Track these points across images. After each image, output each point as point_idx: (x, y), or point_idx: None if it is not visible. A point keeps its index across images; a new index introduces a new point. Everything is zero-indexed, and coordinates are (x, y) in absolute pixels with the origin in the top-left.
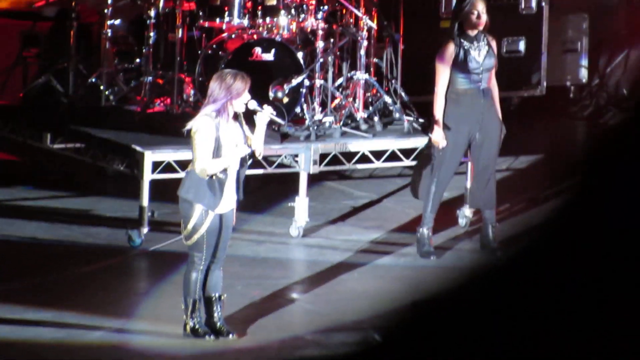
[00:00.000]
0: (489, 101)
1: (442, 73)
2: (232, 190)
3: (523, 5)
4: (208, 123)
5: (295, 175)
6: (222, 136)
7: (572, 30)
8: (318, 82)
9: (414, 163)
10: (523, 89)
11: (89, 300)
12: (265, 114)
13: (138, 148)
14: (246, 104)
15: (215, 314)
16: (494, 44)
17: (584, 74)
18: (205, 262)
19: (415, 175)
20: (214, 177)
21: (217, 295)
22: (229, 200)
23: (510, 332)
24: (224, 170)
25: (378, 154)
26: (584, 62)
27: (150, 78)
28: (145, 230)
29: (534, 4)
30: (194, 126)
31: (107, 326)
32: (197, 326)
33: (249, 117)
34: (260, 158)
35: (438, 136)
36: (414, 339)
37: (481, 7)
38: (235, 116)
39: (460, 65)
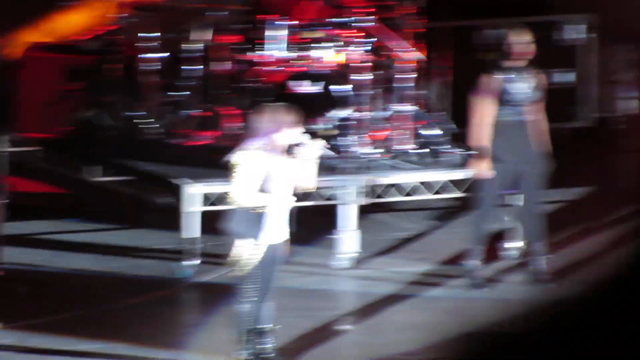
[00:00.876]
0: (533, 133)
1: (484, 105)
2: (284, 222)
3: (572, 37)
4: (253, 156)
5: (345, 208)
6: (270, 169)
7: (621, 61)
8: (366, 114)
9: (463, 195)
10: (574, 120)
11: (139, 332)
12: (315, 147)
13: (181, 181)
14: (296, 138)
15: (267, 345)
16: (540, 76)
17: (635, 104)
18: (257, 294)
19: None
20: (263, 210)
21: (268, 326)
22: (280, 232)
23: None
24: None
25: (428, 186)
26: (635, 92)
27: (194, 111)
28: (195, 262)
29: (583, 35)
30: (237, 158)
31: (159, 358)
32: (249, 357)
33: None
34: (311, 191)
35: (484, 167)
36: None
37: (527, 38)
38: (285, 149)
39: (504, 96)
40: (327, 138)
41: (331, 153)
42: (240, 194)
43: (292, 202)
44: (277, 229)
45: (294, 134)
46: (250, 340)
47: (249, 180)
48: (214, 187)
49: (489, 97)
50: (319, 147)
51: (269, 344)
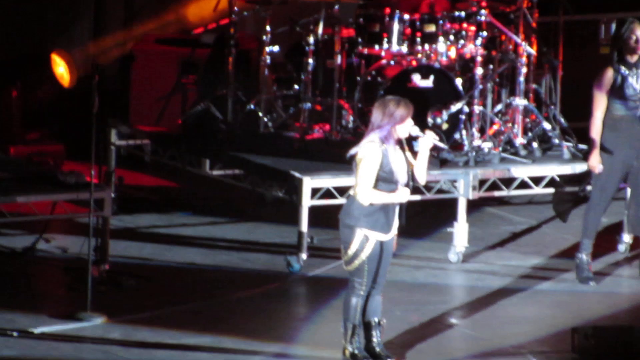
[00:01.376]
0: None
1: (600, 99)
2: (395, 218)
3: None
4: (375, 150)
5: (454, 201)
6: (392, 163)
7: None
8: (477, 108)
9: (573, 189)
10: None
11: (247, 325)
12: (428, 140)
13: (297, 174)
14: (409, 131)
15: (375, 339)
16: None
17: None
18: (366, 288)
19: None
20: (379, 204)
21: (376, 320)
22: (391, 226)
23: None
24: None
25: (537, 180)
26: None
27: (309, 105)
28: (304, 255)
29: None
30: (360, 152)
31: (266, 351)
32: (356, 351)
33: (409, 142)
34: (422, 184)
35: (594, 161)
36: None
37: None
38: (399, 143)
39: (618, 91)
40: (438, 132)
41: (442, 146)
42: (365, 189)
43: (406, 196)
44: (388, 223)
45: (409, 127)
46: (357, 334)
47: (372, 175)
48: (335, 181)
49: (603, 91)
50: (430, 140)
51: (376, 338)
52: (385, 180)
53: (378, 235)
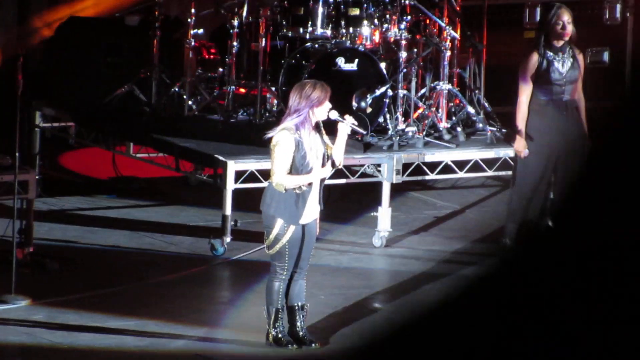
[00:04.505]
0: (572, 113)
1: (525, 84)
2: (315, 201)
3: (607, 16)
4: (287, 137)
5: (378, 185)
6: (306, 147)
7: None
8: (401, 92)
9: (496, 174)
10: (607, 100)
11: (171, 309)
12: (346, 125)
13: (221, 157)
14: (328, 114)
15: (298, 323)
16: (580, 56)
17: None
18: (288, 272)
19: None
20: (295, 190)
21: (299, 304)
22: (311, 211)
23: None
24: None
25: (461, 165)
26: None
27: (233, 88)
28: (228, 239)
29: (618, 14)
30: (273, 139)
31: (190, 335)
32: (279, 335)
33: (329, 127)
34: (340, 167)
35: (520, 146)
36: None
37: (567, 18)
38: (317, 126)
39: (543, 76)
40: (360, 115)
41: (361, 130)
42: (279, 176)
43: (324, 180)
44: (308, 208)
45: (327, 110)
46: (280, 318)
47: (286, 160)
48: (259, 164)
49: (528, 76)
50: (349, 125)
51: (300, 322)
52: (300, 165)
53: (299, 219)
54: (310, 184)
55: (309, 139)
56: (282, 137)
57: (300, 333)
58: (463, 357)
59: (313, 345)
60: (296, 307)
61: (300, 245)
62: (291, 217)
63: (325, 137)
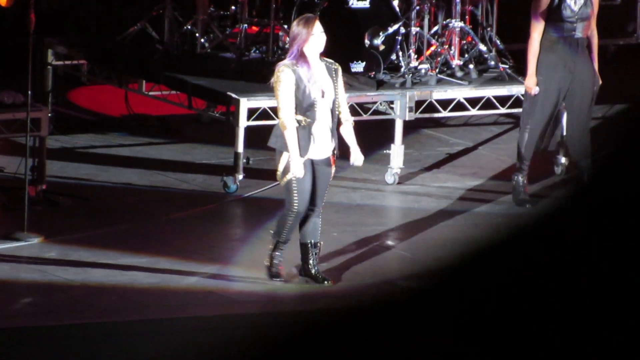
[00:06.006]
0: (583, 51)
1: (537, 20)
2: (326, 139)
3: None
4: (285, 72)
5: (391, 123)
6: (304, 81)
7: None
8: (414, 29)
9: (508, 111)
10: (619, 37)
11: (183, 246)
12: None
13: (233, 95)
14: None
15: (311, 261)
16: None
17: None
18: (298, 208)
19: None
20: (302, 123)
21: (312, 242)
22: (320, 148)
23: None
24: (310, 117)
25: (473, 102)
26: None
27: (245, 26)
28: (240, 176)
29: None
30: (273, 77)
31: (202, 272)
32: (272, 266)
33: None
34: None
35: (530, 83)
36: (507, 285)
37: None
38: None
39: (555, 13)
40: (373, 52)
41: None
42: (284, 114)
43: (334, 117)
44: (316, 143)
45: (317, 41)
46: (280, 250)
47: (287, 95)
48: (272, 102)
49: (540, 13)
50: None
51: (312, 260)
52: (302, 98)
53: (309, 155)
54: (314, 122)
55: (308, 73)
56: (280, 73)
57: (313, 270)
58: (477, 294)
59: (326, 282)
60: (309, 245)
61: (313, 183)
62: (300, 151)
63: (340, 81)
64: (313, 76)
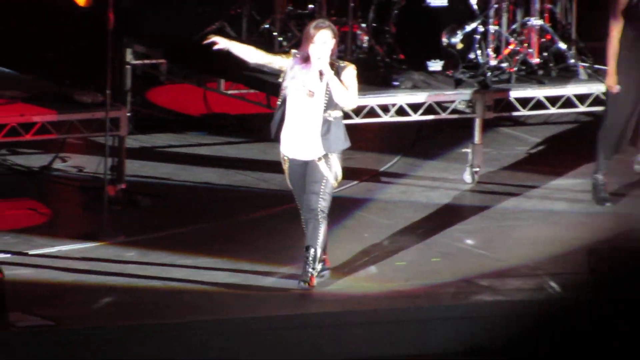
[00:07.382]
0: None
1: (615, 19)
2: (306, 140)
3: None
4: (287, 61)
5: (469, 122)
6: (295, 76)
7: None
8: (492, 28)
9: (588, 109)
10: None
11: (263, 246)
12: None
13: None
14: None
15: (305, 265)
16: None
17: None
18: (300, 206)
19: None
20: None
21: (306, 246)
22: (299, 148)
23: None
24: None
25: (553, 100)
26: None
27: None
28: None
29: None
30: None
31: (281, 272)
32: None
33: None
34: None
35: (611, 82)
36: (590, 286)
37: None
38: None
39: (632, 11)
40: (451, 51)
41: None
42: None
43: (323, 124)
44: (295, 141)
45: (318, 48)
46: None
47: (276, 57)
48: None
49: (619, 11)
50: (318, 66)
51: (305, 264)
52: (285, 88)
53: (288, 154)
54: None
55: (298, 71)
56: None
57: (301, 273)
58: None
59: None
60: (304, 248)
61: (299, 183)
62: (283, 145)
63: (333, 81)
64: (300, 74)
